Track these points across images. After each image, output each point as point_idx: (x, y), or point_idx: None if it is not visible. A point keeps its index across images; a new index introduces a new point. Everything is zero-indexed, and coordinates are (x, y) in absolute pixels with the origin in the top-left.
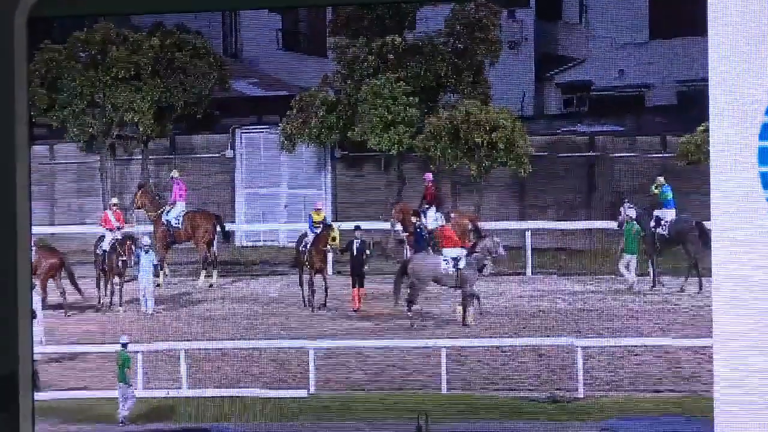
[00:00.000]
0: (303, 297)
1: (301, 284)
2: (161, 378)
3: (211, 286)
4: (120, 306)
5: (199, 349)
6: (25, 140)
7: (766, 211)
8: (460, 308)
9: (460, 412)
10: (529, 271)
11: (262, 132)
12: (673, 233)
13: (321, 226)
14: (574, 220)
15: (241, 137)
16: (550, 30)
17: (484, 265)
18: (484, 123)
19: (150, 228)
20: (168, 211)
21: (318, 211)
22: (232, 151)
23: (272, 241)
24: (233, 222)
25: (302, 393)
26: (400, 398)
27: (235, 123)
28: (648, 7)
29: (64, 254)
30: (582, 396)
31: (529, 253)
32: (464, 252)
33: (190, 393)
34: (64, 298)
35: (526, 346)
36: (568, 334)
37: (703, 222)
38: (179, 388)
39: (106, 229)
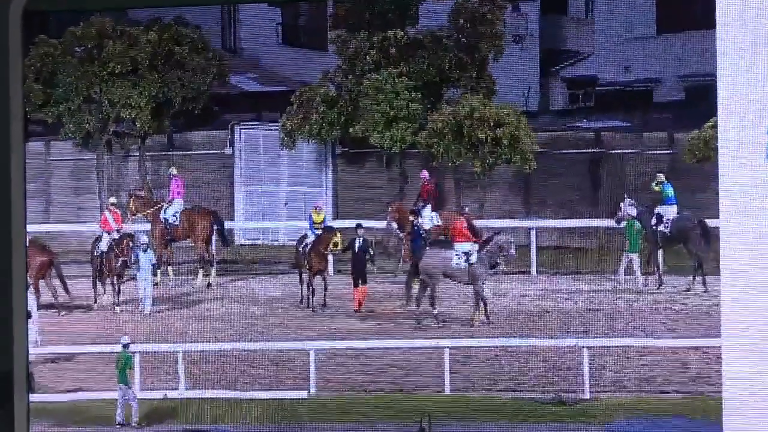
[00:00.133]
0: (302, 297)
1: (301, 284)
2: (160, 379)
3: (209, 285)
4: (117, 306)
5: (198, 350)
6: (20, 137)
7: None
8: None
9: (463, 414)
10: (534, 270)
11: (262, 128)
12: (675, 231)
13: (321, 226)
14: (578, 218)
15: (240, 133)
16: (556, 24)
17: (497, 263)
18: (488, 119)
19: (148, 227)
20: (166, 209)
21: (318, 210)
22: (231, 147)
23: (273, 240)
24: (232, 220)
25: (302, 394)
26: (402, 399)
27: (234, 119)
28: (655, 1)
29: (54, 252)
30: (588, 397)
31: (534, 251)
32: (476, 247)
33: (189, 394)
34: (56, 298)
35: (531, 346)
36: (574, 334)
37: (707, 220)
38: (176, 389)
39: (104, 231)
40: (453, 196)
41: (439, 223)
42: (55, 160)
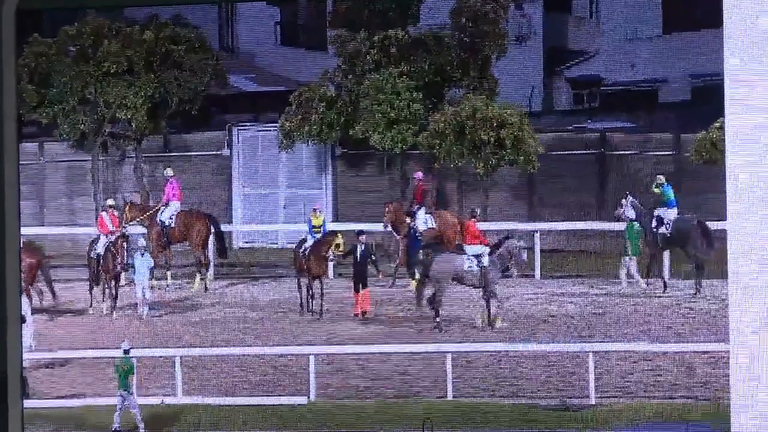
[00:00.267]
0: (301, 303)
1: (299, 289)
2: (157, 385)
3: (206, 289)
4: (112, 311)
5: (195, 355)
6: (13, 138)
7: None
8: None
9: (465, 420)
10: (538, 273)
11: (260, 129)
12: (675, 232)
13: (320, 230)
14: (583, 221)
15: (237, 135)
16: (560, 23)
17: (508, 267)
18: (491, 119)
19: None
20: (162, 212)
21: (317, 213)
22: (228, 149)
23: (272, 243)
24: (230, 223)
25: (302, 400)
26: (404, 405)
27: (231, 120)
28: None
29: (43, 254)
30: (593, 402)
31: (537, 254)
32: (487, 250)
33: (186, 400)
34: (41, 302)
35: (534, 351)
36: (578, 338)
37: (715, 222)
38: (174, 395)
39: (102, 233)
40: (455, 197)
41: (433, 226)
42: (50, 161)
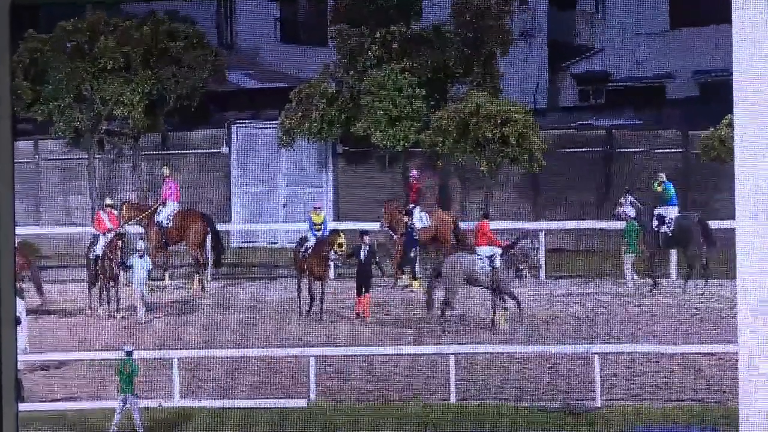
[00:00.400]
0: (300, 305)
1: (299, 289)
2: (156, 387)
3: (203, 289)
4: (113, 312)
5: (194, 357)
6: (8, 136)
7: None
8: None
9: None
10: (542, 273)
11: (260, 127)
12: (677, 230)
13: (321, 227)
14: (587, 219)
15: (236, 132)
16: (565, 18)
17: (520, 269)
18: (494, 116)
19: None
20: (160, 212)
21: (317, 211)
22: (227, 147)
23: (272, 242)
24: (229, 222)
25: (302, 402)
26: (407, 408)
27: (230, 117)
28: None
29: (32, 253)
30: (598, 404)
31: (542, 254)
32: (499, 251)
33: (184, 403)
34: (23, 299)
35: (538, 352)
36: (583, 340)
37: (723, 221)
38: (172, 397)
39: (100, 232)
40: (458, 196)
41: (428, 224)
42: (45, 160)
